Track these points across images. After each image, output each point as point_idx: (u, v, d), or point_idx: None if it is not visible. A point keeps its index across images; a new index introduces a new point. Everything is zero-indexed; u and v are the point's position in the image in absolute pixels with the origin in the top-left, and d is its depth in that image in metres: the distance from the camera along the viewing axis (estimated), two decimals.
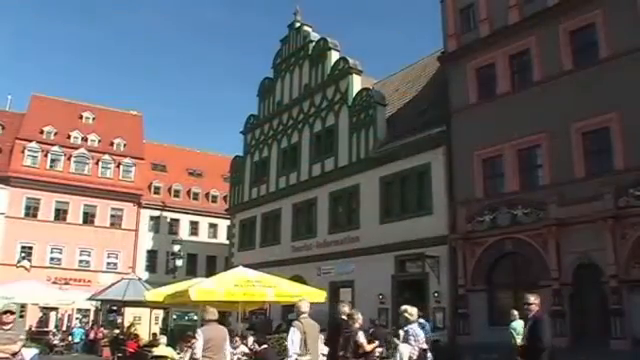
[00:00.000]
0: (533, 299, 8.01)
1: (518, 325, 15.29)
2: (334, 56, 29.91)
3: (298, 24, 33.29)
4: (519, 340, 15.16)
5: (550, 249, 18.25)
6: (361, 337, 9.40)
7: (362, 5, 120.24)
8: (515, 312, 15.60)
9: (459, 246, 20.77)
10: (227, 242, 38.85)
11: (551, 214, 18.35)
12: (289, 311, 25.14)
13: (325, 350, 9.77)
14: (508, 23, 21.03)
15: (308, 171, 29.71)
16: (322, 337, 9.69)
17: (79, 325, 33.55)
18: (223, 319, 24.68)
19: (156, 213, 48.28)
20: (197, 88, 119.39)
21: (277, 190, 32.07)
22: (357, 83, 28.13)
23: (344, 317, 9.77)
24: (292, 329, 9.01)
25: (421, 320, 17.25)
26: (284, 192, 31.32)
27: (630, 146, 17.08)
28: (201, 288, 13.26)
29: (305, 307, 9.19)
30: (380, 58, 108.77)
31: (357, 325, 9.50)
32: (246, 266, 16.41)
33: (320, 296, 15.27)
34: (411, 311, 9.16)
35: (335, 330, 9.93)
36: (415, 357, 8.75)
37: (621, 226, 16.78)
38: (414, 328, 8.96)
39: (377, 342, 10.27)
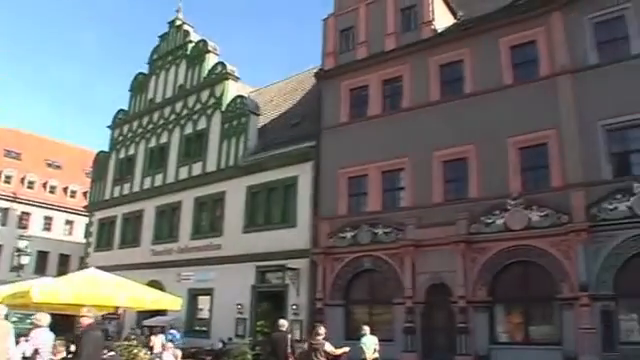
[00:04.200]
0: (85, 311, 8.34)
1: (368, 340, 15.72)
2: (212, 59, 29.48)
3: (179, 22, 32.50)
4: (368, 355, 15.65)
5: (406, 268, 19.08)
6: (328, 346, 12.23)
7: (248, 13, 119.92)
8: (366, 327, 16.02)
9: (320, 260, 21.10)
10: (84, 241, 36.80)
11: (409, 235, 19.19)
12: (144, 317, 24.33)
13: (14, 349, 10.54)
14: (384, 49, 21.87)
15: (175, 174, 28.88)
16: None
17: None
18: (74, 323, 23.40)
19: (5, 204, 44.69)
20: (64, 75, 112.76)
21: (141, 190, 30.86)
22: (233, 89, 27.88)
23: (283, 329, 12.81)
24: None
25: (172, 331, 17.75)
26: (148, 193, 30.21)
27: (483, 177, 18.36)
28: (45, 289, 12.25)
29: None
30: (259, 68, 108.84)
31: (321, 337, 12.21)
32: (103, 268, 15.66)
33: (176, 304, 14.90)
34: (39, 317, 10.49)
35: (279, 341, 12.62)
36: (28, 354, 10.28)
37: (471, 250, 17.96)
38: (37, 332, 10.20)
39: (346, 348, 13.28)
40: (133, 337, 17.71)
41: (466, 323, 17.47)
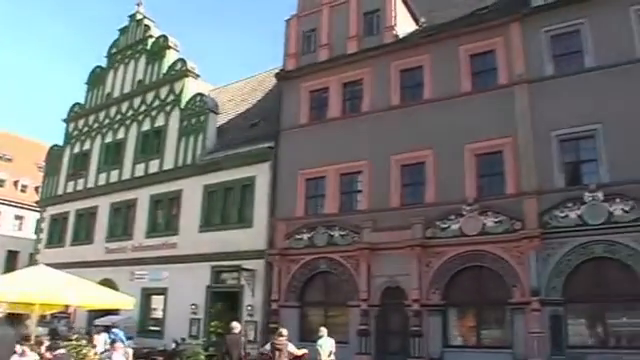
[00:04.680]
0: None
1: (324, 342, 15.72)
2: (173, 56, 29.12)
3: (140, 16, 31.96)
4: (324, 357, 15.69)
5: (361, 271, 19.20)
6: (291, 347, 13.06)
7: (212, 10, 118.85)
8: (323, 329, 16.01)
9: (275, 262, 21.03)
10: (34, 237, 35.78)
11: (365, 238, 19.33)
12: (95, 316, 23.84)
13: None
14: (346, 52, 22.01)
15: (131, 170, 28.35)
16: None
17: None
18: (19, 321, 22.77)
19: None
20: (18, 64, 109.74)
21: (96, 187, 30.16)
22: (192, 87, 27.57)
23: (236, 332, 13.55)
24: None
25: (115, 330, 17.83)
26: (103, 190, 29.55)
27: (440, 182, 18.63)
28: None
29: None
30: (220, 66, 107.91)
31: (284, 338, 13.07)
32: (54, 265, 15.31)
33: (128, 303, 14.67)
34: None
35: (233, 343, 13.24)
36: None
37: (426, 255, 18.20)
38: None
39: (305, 349, 14.05)
40: (76, 336, 17.36)
41: (420, 326, 17.72)
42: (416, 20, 22.81)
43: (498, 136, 17.92)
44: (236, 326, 13.91)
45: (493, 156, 18.12)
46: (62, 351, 14.39)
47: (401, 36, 21.22)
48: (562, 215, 16.44)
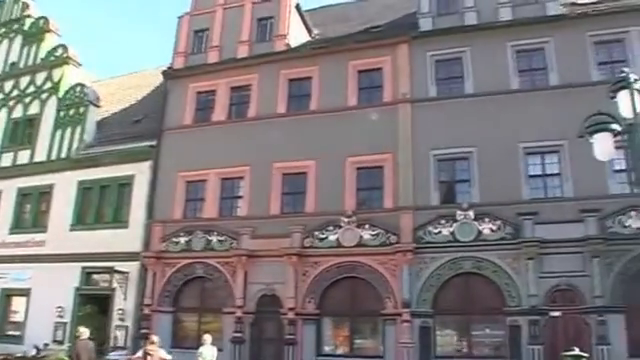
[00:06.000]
0: None
1: (206, 350, 15.37)
2: (53, 40, 27.30)
3: None
4: None
5: (238, 278, 19.06)
6: (163, 353, 13.45)
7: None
8: (207, 337, 15.64)
9: (150, 265, 20.33)
10: None
11: (243, 244, 19.24)
12: None
13: None
14: (236, 56, 21.82)
15: None
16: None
17: None
18: None
19: None
20: None
21: None
22: (73, 76, 25.98)
23: (85, 337, 13.48)
24: None
25: None
26: None
27: (321, 193, 18.96)
28: None
29: None
30: (108, 57, 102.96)
31: (156, 345, 13.38)
32: None
33: None
34: None
35: (82, 348, 13.20)
36: None
37: (303, 264, 18.40)
38: None
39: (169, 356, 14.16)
40: None
41: (294, 334, 17.86)
42: (309, 31, 23.06)
43: (379, 151, 18.49)
44: (84, 331, 13.80)
45: (373, 170, 18.69)
46: None
47: (293, 45, 21.38)
48: (435, 231, 17.25)
